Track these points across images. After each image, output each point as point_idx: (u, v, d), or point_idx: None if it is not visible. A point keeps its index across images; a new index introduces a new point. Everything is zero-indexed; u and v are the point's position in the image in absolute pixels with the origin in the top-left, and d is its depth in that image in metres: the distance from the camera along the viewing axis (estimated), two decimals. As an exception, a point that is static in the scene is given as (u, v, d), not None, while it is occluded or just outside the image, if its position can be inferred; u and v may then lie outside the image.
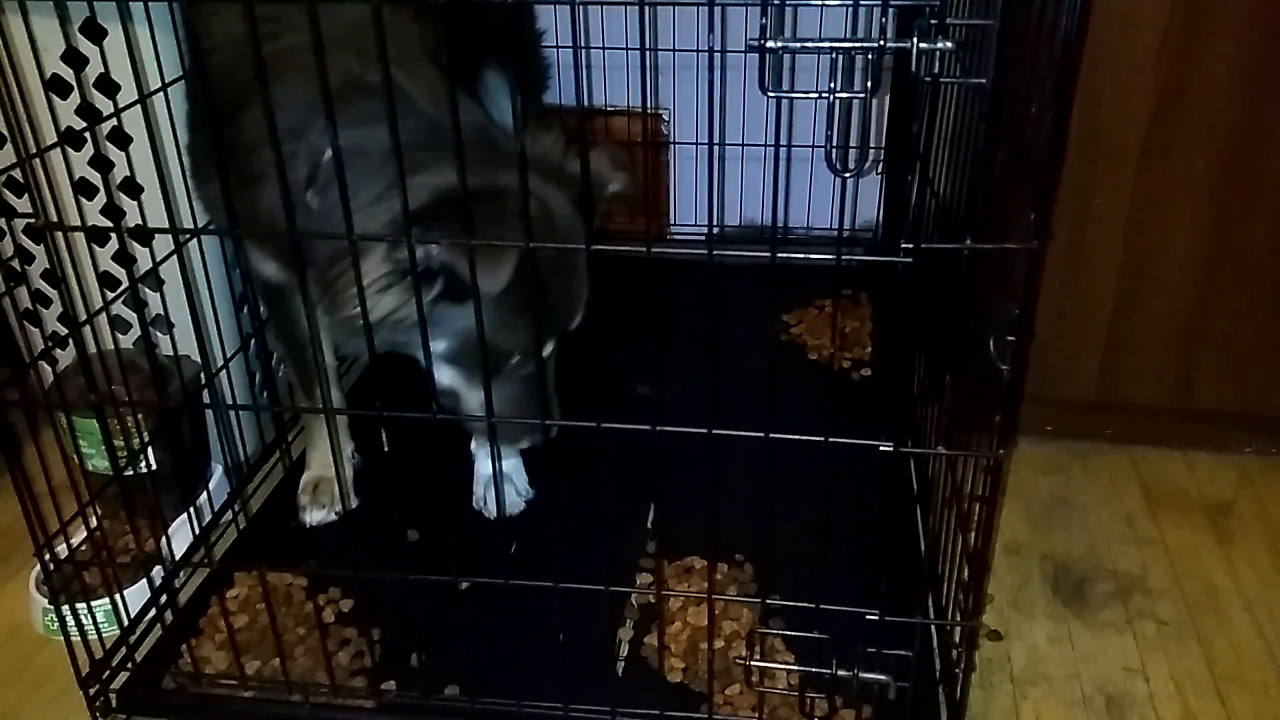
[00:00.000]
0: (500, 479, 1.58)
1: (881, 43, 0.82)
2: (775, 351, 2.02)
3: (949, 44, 0.81)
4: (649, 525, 1.60)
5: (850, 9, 1.83)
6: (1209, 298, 1.79)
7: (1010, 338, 1.02)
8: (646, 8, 0.85)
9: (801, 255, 0.99)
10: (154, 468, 1.52)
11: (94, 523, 1.44)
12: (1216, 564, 1.65)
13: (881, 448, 1.05)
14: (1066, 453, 1.91)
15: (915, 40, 0.82)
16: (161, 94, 1.41)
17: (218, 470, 1.72)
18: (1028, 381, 1.88)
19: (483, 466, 1.65)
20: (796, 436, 1.03)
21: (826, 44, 0.84)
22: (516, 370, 1.33)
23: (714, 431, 1.04)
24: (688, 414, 1.03)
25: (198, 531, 1.53)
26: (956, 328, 1.18)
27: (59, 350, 1.57)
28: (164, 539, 1.49)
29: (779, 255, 0.97)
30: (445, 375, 1.32)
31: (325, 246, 1.22)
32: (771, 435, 1.03)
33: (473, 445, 1.67)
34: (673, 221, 2.44)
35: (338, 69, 1.16)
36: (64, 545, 1.38)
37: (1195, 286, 1.79)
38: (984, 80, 0.89)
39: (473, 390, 1.32)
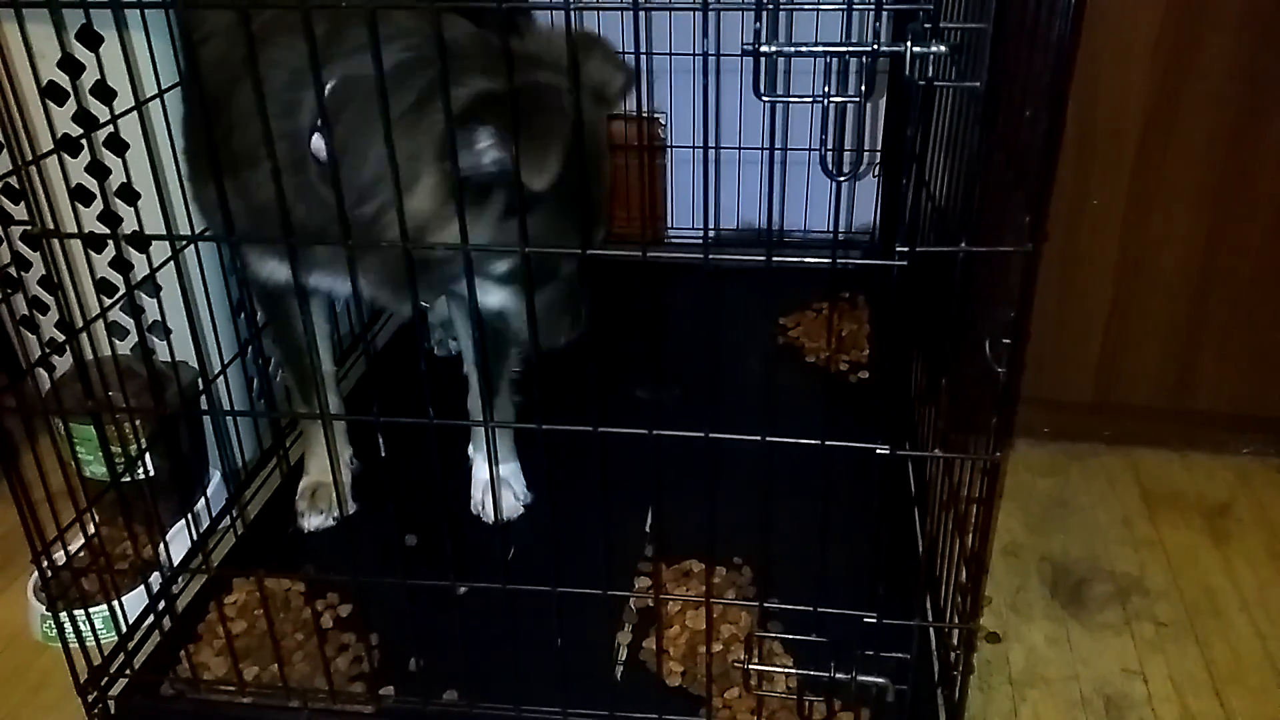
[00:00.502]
0: (498, 483, 1.58)
1: (875, 47, 0.82)
2: (773, 354, 2.02)
3: (943, 48, 0.81)
4: (647, 529, 1.60)
5: (845, 13, 1.83)
6: (1206, 299, 1.79)
7: (1006, 340, 1.02)
8: (641, 12, 0.85)
9: (797, 259, 1.00)
10: (152, 474, 1.52)
11: (92, 529, 1.45)
12: (1214, 565, 1.65)
13: (878, 450, 1.05)
14: (1064, 454, 1.91)
15: (909, 44, 0.82)
16: (158, 100, 1.41)
17: (216, 476, 1.72)
18: (1025, 383, 1.88)
19: (480, 471, 1.65)
20: (793, 440, 1.03)
21: (821, 48, 0.84)
22: (562, 272, 1.31)
23: (711, 435, 1.04)
24: (686, 417, 1.03)
25: (196, 537, 1.53)
26: (952, 330, 1.18)
27: (56, 357, 1.58)
28: (162, 545, 1.49)
29: (775, 258, 0.97)
30: (496, 297, 1.30)
31: (354, 186, 1.14)
32: (768, 439, 1.03)
33: (470, 449, 1.67)
34: (670, 225, 2.44)
35: (321, 17, 1.15)
36: (62, 552, 1.38)
37: (1192, 287, 1.79)
38: (978, 84, 0.89)
39: (518, 303, 1.30)
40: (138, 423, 1.46)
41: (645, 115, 2.27)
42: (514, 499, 1.64)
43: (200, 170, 1.39)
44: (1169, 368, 1.85)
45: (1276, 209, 1.71)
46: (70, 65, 1.38)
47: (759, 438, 1.03)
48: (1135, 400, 1.89)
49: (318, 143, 1.18)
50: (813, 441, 1.04)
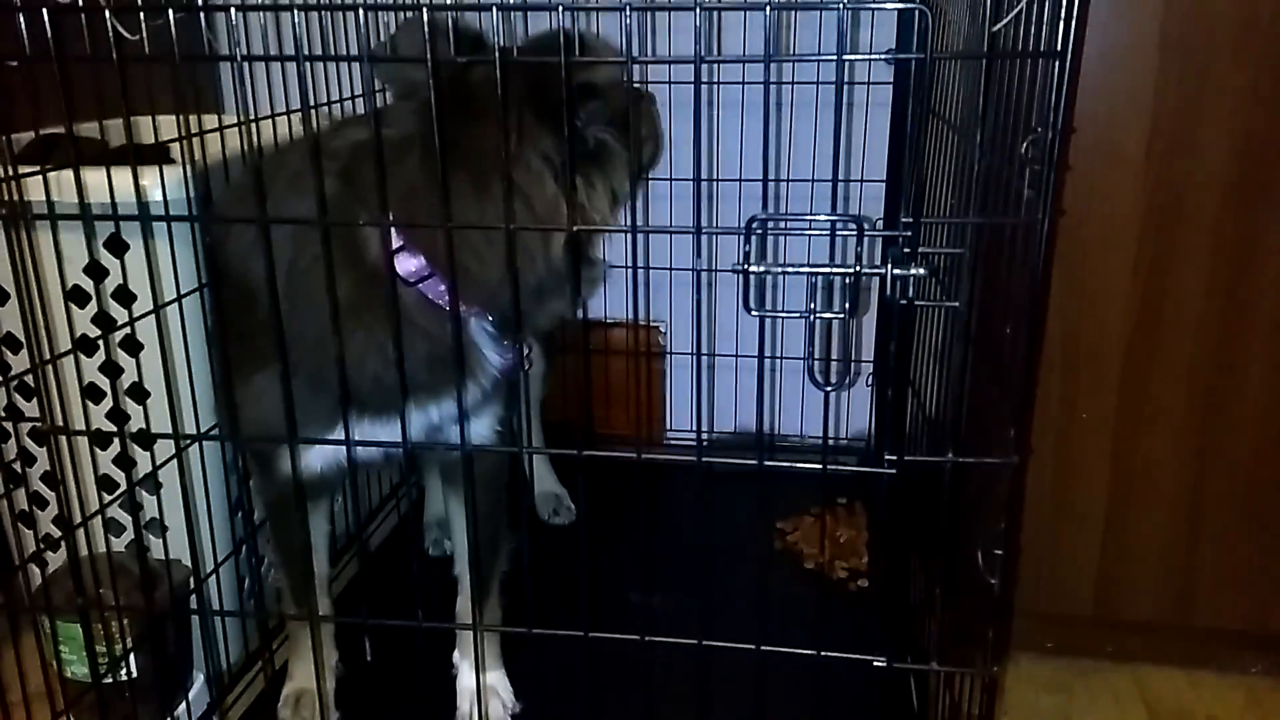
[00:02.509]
0: (484, 692, 1.53)
1: (858, 269, 0.87)
2: (770, 559, 2.00)
3: (921, 271, 0.85)
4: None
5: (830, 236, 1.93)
6: (1201, 515, 1.80)
7: (997, 551, 1.02)
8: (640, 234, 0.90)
9: (789, 463, 1.02)
10: (134, 675, 1.48)
11: (66, 734, 1.40)
12: (1229, 792, 1.58)
13: (875, 663, 1.04)
14: (1068, 670, 1.86)
15: (890, 267, 0.87)
16: (177, 304, 1.47)
17: (199, 679, 1.67)
18: (1025, 596, 1.86)
19: (466, 679, 1.60)
20: (788, 650, 1.01)
21: (806, 269, 0.89)
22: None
23: (704, 643, 1.03)
24: (679, 622, 1.02)
25: (172, 744, 1.48)
26: (945, 540, 1.18)
27: (50, 553, 1.57)
28: (137, 752, 1.44)
29: (768, 462, 0.99)
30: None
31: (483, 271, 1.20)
32: (763, 648, 1.02)
33: (455, 656, 1.63)
34: (669, 427, 2.48)
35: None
36: (33, 758, 1.33)
37: (1186, 503, 1.80)
38: (958, 304, 0.93)
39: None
40: (125, 622, 1.44)
41: (646, 324, 2.36)
42: (501, 709, 1.58)
43: (246, 364, 1.35)
44: (1169, 583, 1.84)
45: (1262, 428, 1.74)
46: (95, 270, 1.44)
47: (753, 646, 1.02)
48: (1137, 616, 1.86)
49: (406, 263, 1.21)
50: (809, 651, 1.02)
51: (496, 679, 1.60)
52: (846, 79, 2.02)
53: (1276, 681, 1.83)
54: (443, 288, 1.24)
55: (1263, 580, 1.81)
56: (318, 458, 1.40)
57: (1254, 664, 1.85)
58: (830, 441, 1.84)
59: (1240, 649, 1.85)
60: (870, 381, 2.31)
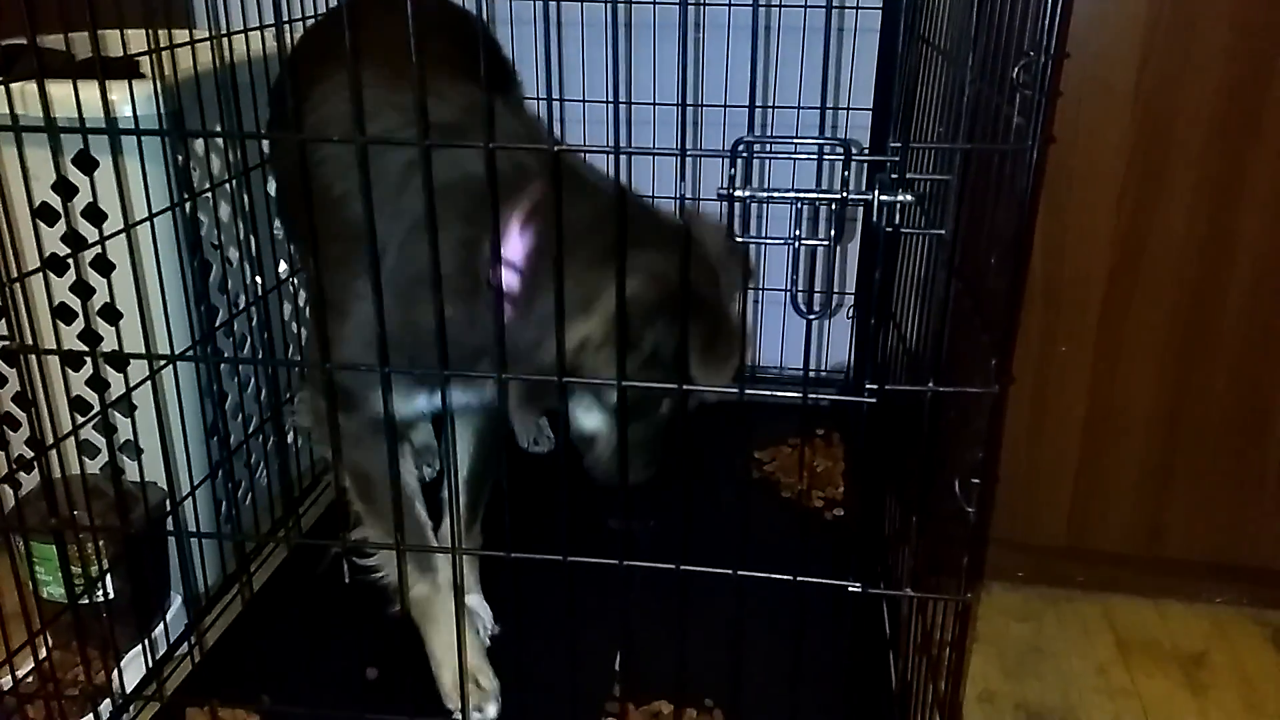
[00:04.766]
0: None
1: (844, 194, 0.85)
2: (748, 488, 2.02)
3: (908, 197, 0.84)
4: (616, 666, 1.57)
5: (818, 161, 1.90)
6: (1174, 447, 1.82)
7: (975, 480, 1.03)
8: (622, 156, 0.88)
9: (769, 393, 1.01)
10: (111, 596, 1.48)
11: (43, 653, 1.40)
12: (1191, 717, 1.62)
13: (850, 588, 1.05)
14: (1039, 599, 1.90)
15: (876, 193, 0.85)
16: (148, 223, 1.44)
17: (176, 601, 1.68)
18: (999, 526, 1.88)
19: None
20: (764, 575, 1.02)
21: (791, 195, 0.88)
22: (656, 418, 1.32)
23: (682, 567, 1.03)
24: (658, 549, 1.03)
25: (151, 664, 1.48)
26: (923, 470, 1.19)
27: (23, 474, 1.56)
28: (116, 671, 1.45)
29: (747, 392, 0.98)
30: (594, 421, 1.32)
31: (532, 318, 1.20)
32: (740, 572, 1.02)
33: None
34: (649, 358, 2.47)
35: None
36: (9, 676, 1.34)
37: (1160, 437, 1.82)
38: (943, 232, 0.92)
39: (612, 434, 1.32)
40: (101, 543, 1.44)
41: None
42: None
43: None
44: (1140, 515, 1.86)
45: (1240, 361, 1.75)
46: (64, 187, 1.41)
47: (730, 571, 1.03)
48: (1108, 546, 1.89)
49: (506, 278, 1.21)
50: (784, 577, 1.03)
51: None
52: (836, 1, 1.98)
53: (1240, 611, 1.87)
54: (511, 312, 1.22)
55: (1231, 513, 1.84)
56: (406, 404, 1.39)
57: (1220, 594, 1.89)
58: (810, 373, 1.83)
59: (1207, 579, 1.89)
60: (851, 314, 2.30)
